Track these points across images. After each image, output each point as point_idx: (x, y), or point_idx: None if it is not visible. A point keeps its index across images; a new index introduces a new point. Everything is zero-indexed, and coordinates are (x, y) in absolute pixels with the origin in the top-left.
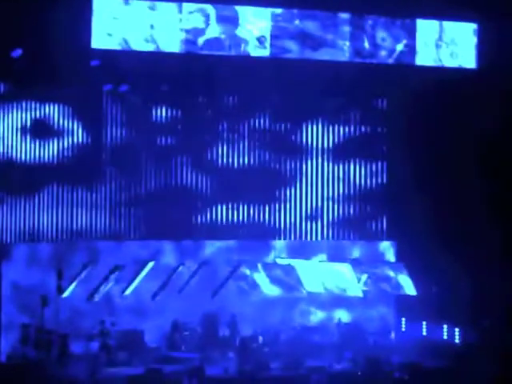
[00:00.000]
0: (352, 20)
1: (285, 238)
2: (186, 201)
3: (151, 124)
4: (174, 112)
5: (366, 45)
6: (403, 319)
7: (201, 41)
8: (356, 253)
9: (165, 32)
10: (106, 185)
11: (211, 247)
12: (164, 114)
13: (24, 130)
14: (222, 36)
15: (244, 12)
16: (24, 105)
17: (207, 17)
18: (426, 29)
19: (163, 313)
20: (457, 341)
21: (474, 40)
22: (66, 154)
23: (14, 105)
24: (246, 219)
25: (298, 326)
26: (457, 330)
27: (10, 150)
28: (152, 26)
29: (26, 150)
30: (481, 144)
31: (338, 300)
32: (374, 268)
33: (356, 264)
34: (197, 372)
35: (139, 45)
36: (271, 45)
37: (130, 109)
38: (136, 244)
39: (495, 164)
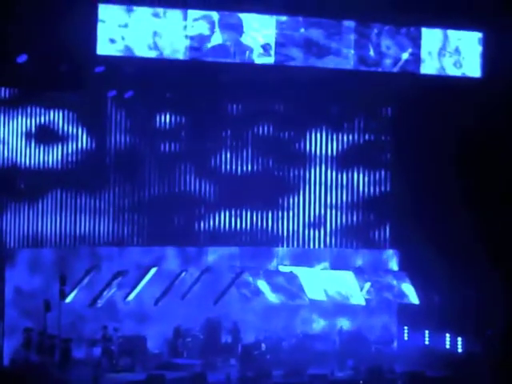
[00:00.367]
0: (357, 28)
1: (288, 246)
2: (189, 207)
3: (155, 130)
4: (178, 118)
5: (371, 53)
6: (406, 328)
7: (205, 48)
8: (359, 261)
9: (170, 39)
10: (109, 191)
11: (214, 254)
12: (168, 120)
13: (29, 135)
14: (227, 43)
15: (249, 19)
16: (29, 110)
17: (212, 24)
18: (431, 38)
19: (165, 319)
20: (459, 350)
21: (479, 49)
22: (70, 159)
23: (19, 110)
24: (249, 226)
25: (301, 333)
26: (459, 339)
27: (14, 156)
28: (157, 33)
29: (30, 156)
30: (485, 153)
31: (341, 308)
32: (376, 276)
33: (359, 272)
34: (199, 378)
35: (144, 51)
36: (276, 52)
37: (135, 115)
38: (139, 250)
39: (500, 174)
